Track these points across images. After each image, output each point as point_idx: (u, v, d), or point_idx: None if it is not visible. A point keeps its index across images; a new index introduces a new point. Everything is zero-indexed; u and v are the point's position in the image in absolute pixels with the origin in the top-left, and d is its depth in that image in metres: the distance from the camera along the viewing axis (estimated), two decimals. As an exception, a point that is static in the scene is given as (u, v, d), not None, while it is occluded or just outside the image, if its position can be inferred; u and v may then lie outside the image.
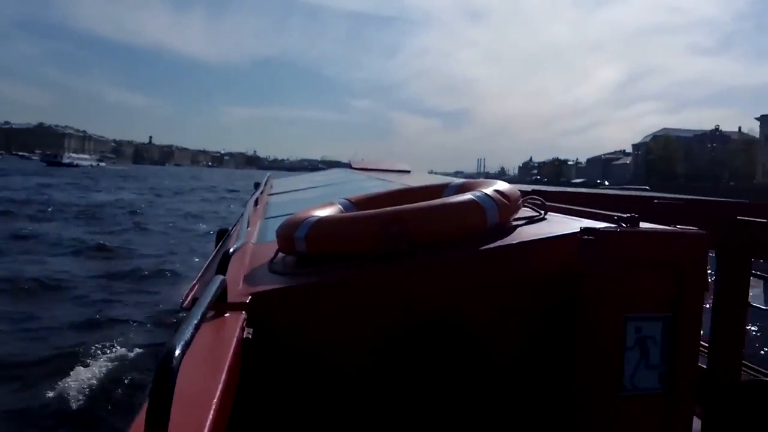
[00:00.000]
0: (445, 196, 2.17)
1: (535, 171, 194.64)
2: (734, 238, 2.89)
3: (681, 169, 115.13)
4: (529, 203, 2.25)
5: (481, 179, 2.34)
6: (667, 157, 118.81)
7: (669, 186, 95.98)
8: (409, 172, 7.64)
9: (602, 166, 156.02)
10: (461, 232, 1.88)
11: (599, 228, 1.68)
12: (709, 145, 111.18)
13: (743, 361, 3.26)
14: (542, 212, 2.19)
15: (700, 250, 1.74)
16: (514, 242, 1.85)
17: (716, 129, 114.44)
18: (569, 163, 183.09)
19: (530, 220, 2.11)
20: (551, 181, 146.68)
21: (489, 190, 2.01)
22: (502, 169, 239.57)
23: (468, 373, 1.79)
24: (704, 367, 3.21)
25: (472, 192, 2.02)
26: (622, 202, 2.97)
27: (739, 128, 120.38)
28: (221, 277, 1.50)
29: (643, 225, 1.79)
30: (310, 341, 1.71)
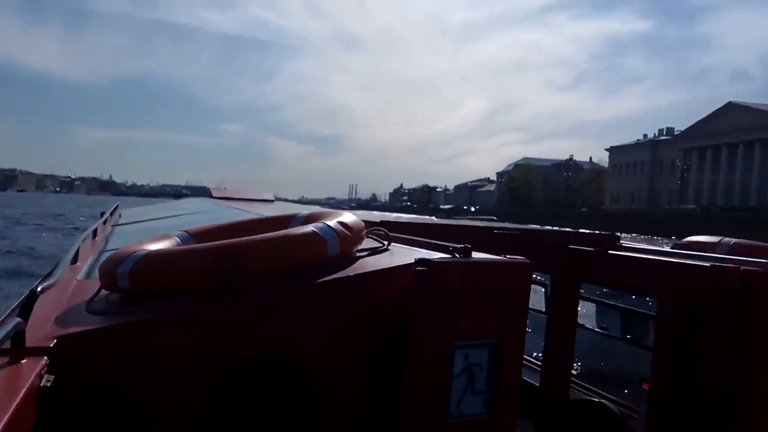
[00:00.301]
0: (292, 227, 2.12)
1: (406, 197, 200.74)
2: (565, 265, 3.08)
3: (540, 196, 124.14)
4: (373, 234, 2.26)
5: (328, 210, 2.34)
6: (528, 185, 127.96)
7: (529, 212, 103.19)
8: (272, 201, 7.46)
9: (469, 192, 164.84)
10: (301, 265, 1.88)
11: (432, 259, 1.76)
12: (564, 174, 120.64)
13: (573, 380, 3.48)
14: (385, 243, 2.22)
15: (524, 278, 1.87)
16: (352, 274, 1.88)
17: (570, 159, 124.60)
18: (438, 189, 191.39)
19: (373, 251, 2.13)
20: (421, 207, 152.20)
21: (332, 222, 2.03)
22: (374, 195, 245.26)
23: (299, 413, 1.79)
24: (537, 384, 3.39)
25: (314, 224, 2.03)
26: (465, 233, 3.12)
27: (590, 158, 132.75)
28: (16, 319, 1.43)
29: (476, 255, 1.88)
30: (129, 387, 1.64)
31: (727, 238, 2.93)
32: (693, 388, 2.20)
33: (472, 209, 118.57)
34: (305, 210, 2.46)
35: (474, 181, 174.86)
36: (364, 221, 2.30)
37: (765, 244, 2.93)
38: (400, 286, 1.82)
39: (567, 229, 3.87)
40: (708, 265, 2.24)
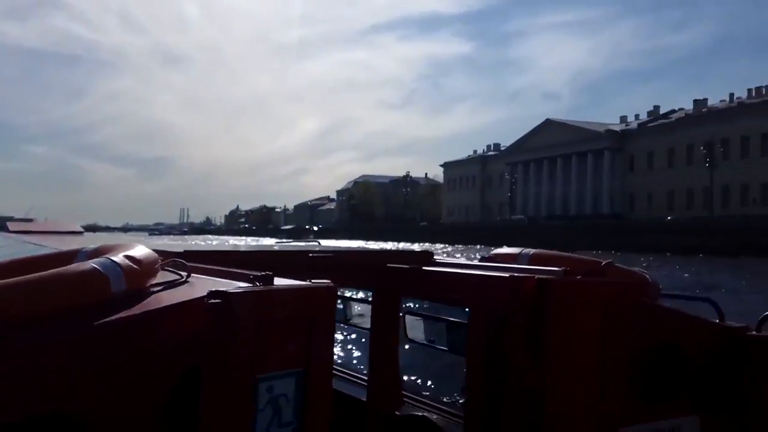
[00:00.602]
0: (75, 263, 1.99)
1: (243, 219, 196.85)
2: (385, 283, 3.25)
3: (380, 212, 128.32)
4: (170, 266, 2.16)
5: (118, 242, 2.20)
6: (368, 201, 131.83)
7: (370, 228, 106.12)
8: (81, 233, 6.75)
9: (309, 211, 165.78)
10: (79, 306, 1.75)
11: (227, 290, 1.72)
12: (403, 190, 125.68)
13: (406, 393, 3.58)
14: (183, 275, 2.11)
15: (329, 302, 1.88)
16: (137, 312, 1.78)
17: (407, 175, 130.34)
18: (277, 210, 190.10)
19: (168, 285, 2.03)
20: (260, 228, 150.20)
21: (117, 256, 1.93)
22: (207, 218, 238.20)
23: None
24: (364, 400, 3.47)
25: (96, 259, 1.92)
26: (278, 259, 3.12)
27: (426, 174, 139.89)
28: None
29: (280, 281, 1.86)
30: None
31: (527, 249, 3.29)
32: (502, 391, 2.48)
33: (314, 228, 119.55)
34: (91, 246, 2.31)
35: (314, 199, 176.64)
36: (164, 252, 2.22)
37: (560, 252, 3.32)
38: (196, 322, 1.74)
39: (385, 248, 4.15)
40: (507, 275, 2.54)
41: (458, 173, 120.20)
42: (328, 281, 1.92)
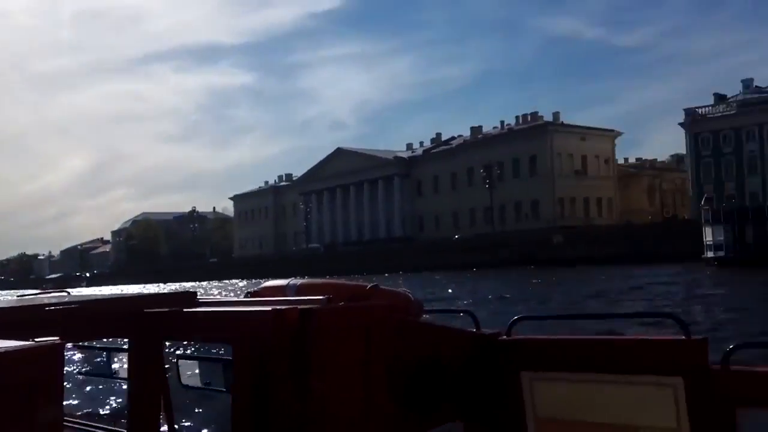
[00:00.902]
0: None
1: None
2: (143, 329, 3.18)
3: (164, 251, 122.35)
4: None
5: None
6: (149, 240, 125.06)
7: (154, 269, 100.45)
8: None
9: (80, 256, 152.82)
10: None
11: None
12: (191, 226, 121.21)
13: None
14: None
15: (54, 362, 1.79)
16: None
17: (193, 210, 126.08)
18: (40, 257, 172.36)
19: None
20: (20, 280, 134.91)
21: None
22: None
23: None
24: None
25: None
26: (4, 317, 2.86)
27: (214, 208, 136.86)
28: None
29: None
30: None
31: (295, 280, 3.40)
32: (267, 426, 2.54)
33: (86, 275, 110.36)
34: None
35: (85, 243, 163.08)
36: None
37: (327, 280, 3.46)
38: None
39: (144, 293, 3.99)
40: (270, 309, 2.62)
41: (249, 205, 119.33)
42: (55, 338, 1.82)
